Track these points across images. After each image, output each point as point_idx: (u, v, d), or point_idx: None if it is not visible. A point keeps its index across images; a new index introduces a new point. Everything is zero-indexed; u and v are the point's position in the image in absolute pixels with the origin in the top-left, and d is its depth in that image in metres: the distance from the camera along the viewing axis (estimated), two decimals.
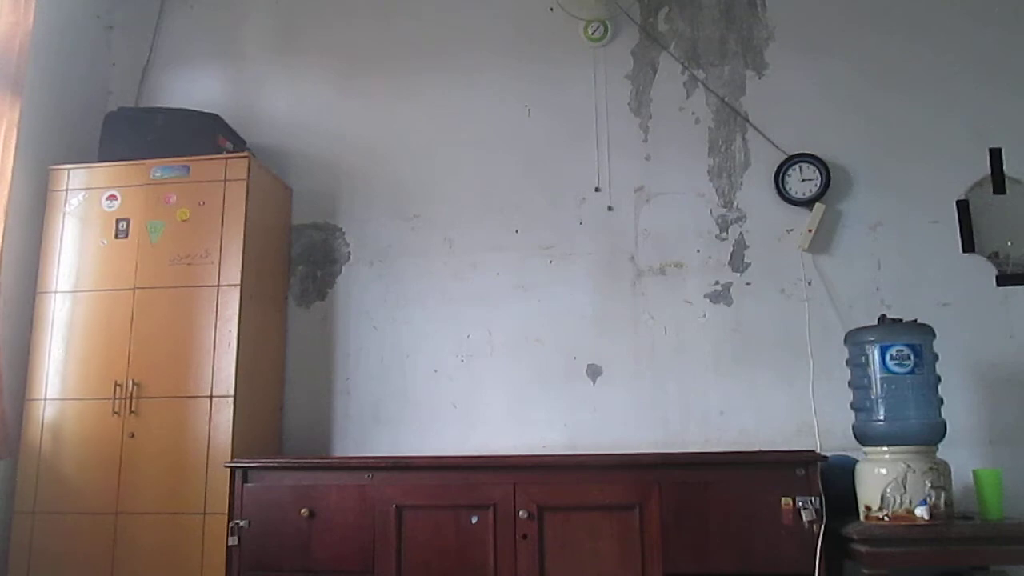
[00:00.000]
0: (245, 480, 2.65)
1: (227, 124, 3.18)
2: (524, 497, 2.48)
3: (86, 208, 2.99)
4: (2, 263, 2.75)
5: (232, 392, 2.77)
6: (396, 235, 3.24)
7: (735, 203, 3.06)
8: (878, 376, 2.43)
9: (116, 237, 2.95)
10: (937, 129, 2.97)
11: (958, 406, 2.66)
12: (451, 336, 3.12)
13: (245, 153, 3.01)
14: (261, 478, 2.65)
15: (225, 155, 3.00)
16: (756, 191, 3.05)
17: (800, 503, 2.37)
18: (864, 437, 2.48)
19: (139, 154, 3.02)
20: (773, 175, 3.02)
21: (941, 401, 2.43)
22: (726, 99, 3.14)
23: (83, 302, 2.91)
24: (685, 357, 2.97)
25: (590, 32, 3.23)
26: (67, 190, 3.01)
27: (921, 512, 2.26)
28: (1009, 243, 2.88)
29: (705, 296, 3.01)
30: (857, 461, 2.47)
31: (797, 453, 2.54)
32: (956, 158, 2.94)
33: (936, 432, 2.40)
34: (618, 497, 2.46)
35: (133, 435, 2.78)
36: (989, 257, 2.88)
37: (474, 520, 2.49)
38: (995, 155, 2.93)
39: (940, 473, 2.33)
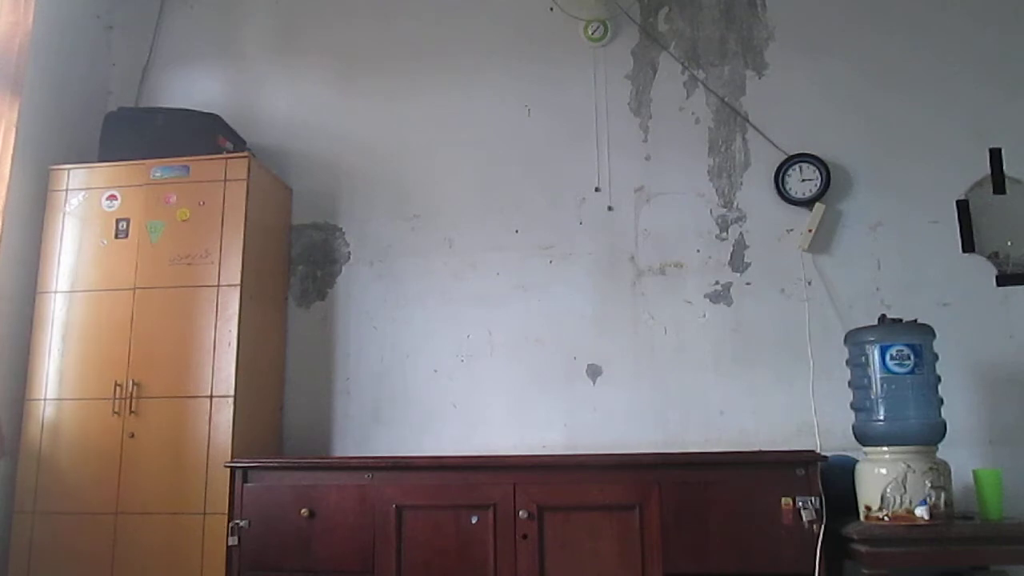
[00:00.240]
0: (245, 480, 2.65)
1: (227, 124, 3.18)
2: (524, 497, 2.48)
3: (86, 208, 2.99)
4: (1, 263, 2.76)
5: (232, 392, 2.77)
6: (396, 235, 3.24)
7: (735, 203, 3.06)
8: (878, 376, 2.43)
9: (116, 237, 2.95)
10: (937, 129, 2.97)
11: (958, 406, 2.66)
12: (451, 336, 3.12)
13: (245, 153, 3.01)
14: (261, 478, 2.65)
15: (225, 155, 3.00)
16: (756, 191, 3.05)
17: (800, 503, 2.37)
18: (864, 437, 2.48)
19: (139, 154, 3.01)
20: (773, 175, 3.03)
21: (941, 401, 2.43)
22: (726, 99, 3.14)
23: (83, 302, 2.91)
24: (685, 357, 2.97)
25: (590, 32, 3.23)
26: (67, 190, 3.01)
27: (921, 512, 2.26)
28: (1009, 243, 2.88)
29: (705, 296, 3.01)
30: (857, 461, 2.47)
31: (797, 453, 2.54)
32: (956, 158, 2.94)
33: (936, 432, 2.40)
34: (618, 497, 2.46)
35: (133, 435, 2.78)
36: (989, 257, 2.88)
37: (474, 520, 2.49)
38: (995, 155, 2.93)
39: (940, 473, 2.33)
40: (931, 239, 2.91)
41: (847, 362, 2.57)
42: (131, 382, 2.81)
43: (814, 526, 2.35)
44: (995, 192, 2.91)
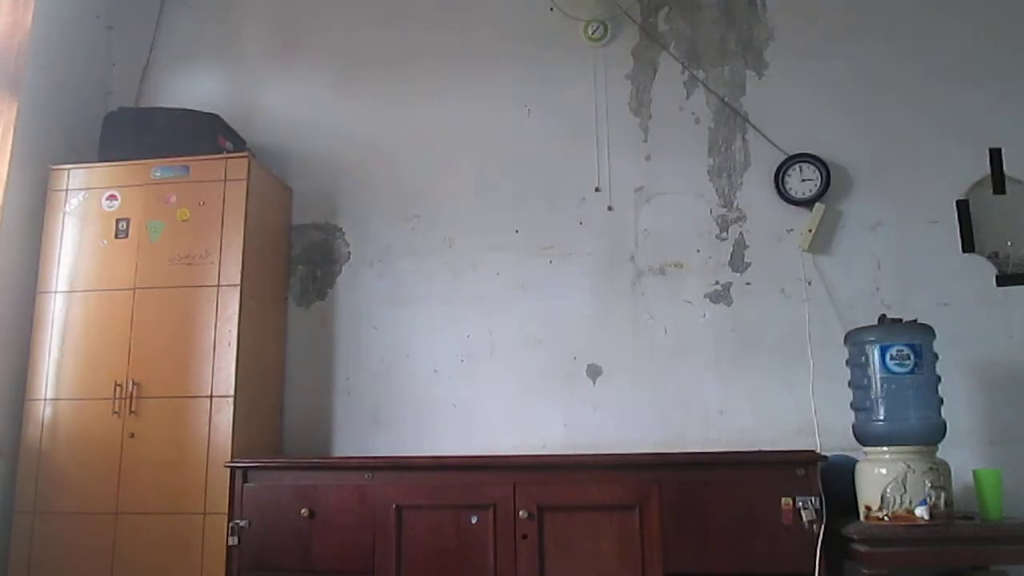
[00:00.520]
0: (245, 480, 2.65)
1: (227, 124, 3.18)
2: (524, 497, 2.48)
3: (86, 208, 2.99)
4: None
5: (232, 392, 2.77)
6: (396, 235, 3.24)
7: (735, 203, 3.06)
8: (878, 376, 2.43)
9: (116, 237, 2.95)
10: (937, 129, 2.97)
11: (958, 406, 2.66)
12: (451, 336, 3.12)
13: (245, 153, 3.01)
14: (261, 478, 2.65)
15: (225, 155, 3.00)
16: (756, 191, 3.05)
17: (800, 503, 2.37)
18: (864, 437, 2.48)
19: (139, 154, 3.01)
20: (773, 175, 3.03)
21: (941, 401, 2.43)
22: (726, 99, 3.14)
23: (83, 302, 2.91)
24: (685, 357, 2.97)
25: (590, 32, 3.23)
26: (67, 190, 3.01)
27: (921, 512, 2.26)
28: (1009, 243, 2.88)
29: (705, 296, 3.01)
30: (857, 461, 2.47)
31: (797, 453, 2.54)
32: (956, 158, 2.94)
33: (936, 432, 2.40)
34: (618, 497, 2.46)
35: (133, 435, 2.78)
36: (989, 257, 2.89)
37: (474, 520, 2.49)
38: (995, 155, 2.93)
39: (940, 473, 2.33)
40: (931, 239, 2.91)
41: (847, 362, 2.57)
42: (131, 382, 2.81)
43: (814, 526, 2.35)
44: (995, 192, 2.91)
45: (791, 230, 3.00)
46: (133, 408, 2.79)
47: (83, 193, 3.00)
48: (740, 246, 3.03)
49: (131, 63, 3.53)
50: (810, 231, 2.94)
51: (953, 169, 2.94)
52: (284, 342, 3.21)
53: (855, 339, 2.53)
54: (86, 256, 2.95)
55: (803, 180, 2.99)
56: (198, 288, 2.87)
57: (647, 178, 3.13)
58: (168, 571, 2.66)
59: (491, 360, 3.08)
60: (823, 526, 2.35)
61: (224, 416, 2.75)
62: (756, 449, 2.77)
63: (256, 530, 2.59)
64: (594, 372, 3.02)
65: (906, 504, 2.30)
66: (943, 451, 2.41)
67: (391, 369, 3.13)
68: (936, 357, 2.46)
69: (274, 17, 3.51)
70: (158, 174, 2.98)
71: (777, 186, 3.01)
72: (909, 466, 2.32)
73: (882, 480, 2.33)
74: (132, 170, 2.99)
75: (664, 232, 3.08)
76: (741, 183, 3.07)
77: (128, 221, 2.96)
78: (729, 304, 2.99)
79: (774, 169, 3.03)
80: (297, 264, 3.28)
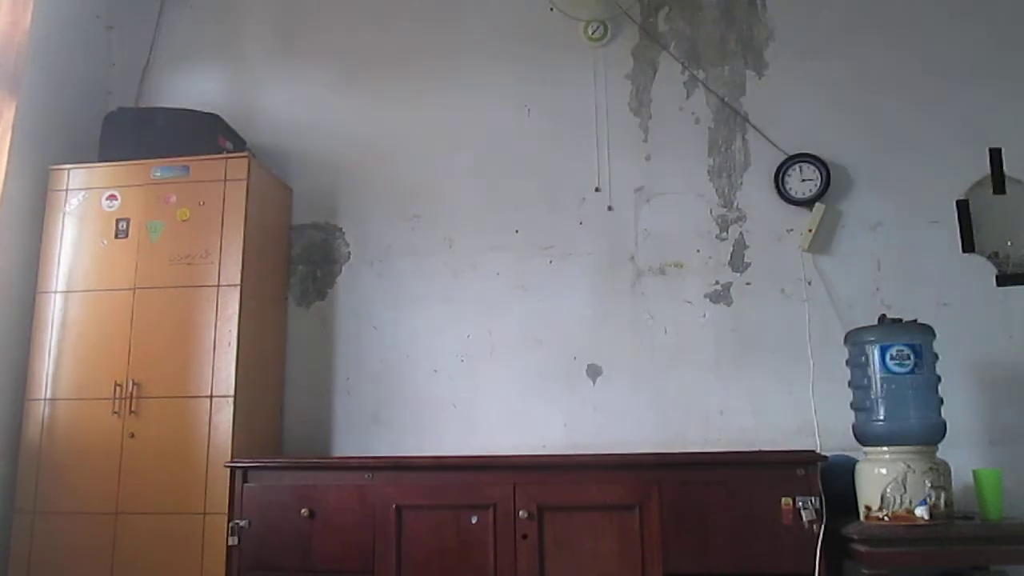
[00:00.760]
0: (245, 480, 2.65)
1: (227, 124, 3.18)
2: (524, 497, 2.48)
3: (86, 208, 2.99)
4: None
5: (232, 392, 2.77)
6: (396, 235, 3.24)
7: (735, 203, 3.06)
8: (878, 376, 2.43)
9: (116, 237, 2.95)
10: (937, 129, 2.97)
11: (958, 406, 2.66)
12: (451, 336, 3.12)
13: (245, 153, 3.01)
14: (261, 478, 2.65)
15: (225, 155, 3.00)
16: (756, 191, 3.05)
17: (800, 503, 2.37)
18: (864, 437, 2.48)
19: (139, 154, 3.01)
20: (773, 175, 3.03)
21: (941, 401, 2.43)
22: (726, 99, 3.14)
23: (83, 302, 2.91)
24: (685, 357, 2.97)
25: (590, 32, 3.23)
26: (67, 190, 3.01)
27: (921, 512, 2.26)
28: (1009, 243, 2.88)
29: (705, 296, 3.01)
30: (857, 461, 2.47)
31: (797, 453, 2.54)
32: (956, 158, 2.94)
33: (936, 432, 2.40)
34: (618, 497, 2.46)
35: (133, 435, 2.78)
36: (989, 257, 2.89)
37: (474, 520, 2.49)
38: (995, 155, 2.93)
39: (940, 473, 2.33)
40: (931, 239, 2.92)
41: (847, 362, 2.57)
42: (131, 382, 2.81)
43: (814, 526, 2.35)
44: (995, 192, 2.91)
45: (791, 230, 3.00)
46: (133, 408, 2.79)
47: (83, 193, 3.00)
48: (740, 246, 3.03)
49: (131, 63, 3.53)
50: (810, 231, 2.94)
51: (953, 169, 2.94)
52: (284, 342, 3.21)
53: (855, 339, 2.53)
54: (86, 256, 2.95)
55: (803, 180, 2.99)
56: (198, 288, 2.87)
57: (647, 178, 3.13)
58: (168, 571, 2.66)
59: (491, 360, 3.08)
60: (823, 526, 2.35)
61: (224, 416, 2.75)
62: (756, 449, 2.77)
63: (256, 530, 2.59)
64: (594, 372, 3.02)
65: (906, 504, 2.30)
66: (943, 451, 2.41)
67: (391, 369, 3.13)
68: (936, 357, 2.46)
69: (274, 17, 3.51)
70: (158, 174, 2.97)
71: (777, 186, 3.01)
72: (909, 466, 2.32)
73: (882, 480, 2.33)
74: (132, 170, 2.99)
75: (664, 232, 3.08)
76: (741, 183, 3.07)
77: (128, 221, 2.96)
78: (729, 304, 2.99)
79: (774, 169, 3.03)
80: (297, 264, 3.28)
